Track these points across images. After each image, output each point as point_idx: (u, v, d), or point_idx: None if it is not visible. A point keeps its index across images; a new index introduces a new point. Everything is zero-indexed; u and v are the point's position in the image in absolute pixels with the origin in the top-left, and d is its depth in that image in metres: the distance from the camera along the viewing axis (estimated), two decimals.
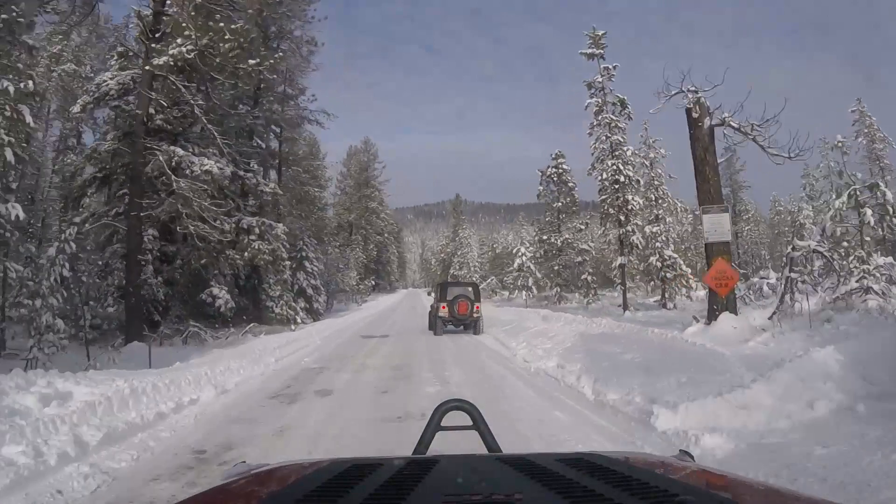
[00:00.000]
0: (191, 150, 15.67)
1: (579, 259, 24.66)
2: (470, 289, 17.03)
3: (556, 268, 25.31)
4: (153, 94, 14.40)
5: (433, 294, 19.16)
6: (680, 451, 1.19)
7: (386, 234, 61.63)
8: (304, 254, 23.02)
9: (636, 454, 1.21)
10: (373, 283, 47.90)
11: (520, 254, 27.64)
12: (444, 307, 16.11)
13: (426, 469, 0.87)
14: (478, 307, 16.39)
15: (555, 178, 26.21)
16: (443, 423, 1.31)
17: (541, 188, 26.54)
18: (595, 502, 0.69)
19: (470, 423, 1.30)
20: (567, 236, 25.27)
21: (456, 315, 15.94)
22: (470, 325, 16.25)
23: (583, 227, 26.20)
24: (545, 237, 26.43)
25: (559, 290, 25.38)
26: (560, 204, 26.22)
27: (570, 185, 26.12)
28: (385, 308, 34.74)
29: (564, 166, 25.85)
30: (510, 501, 0.72)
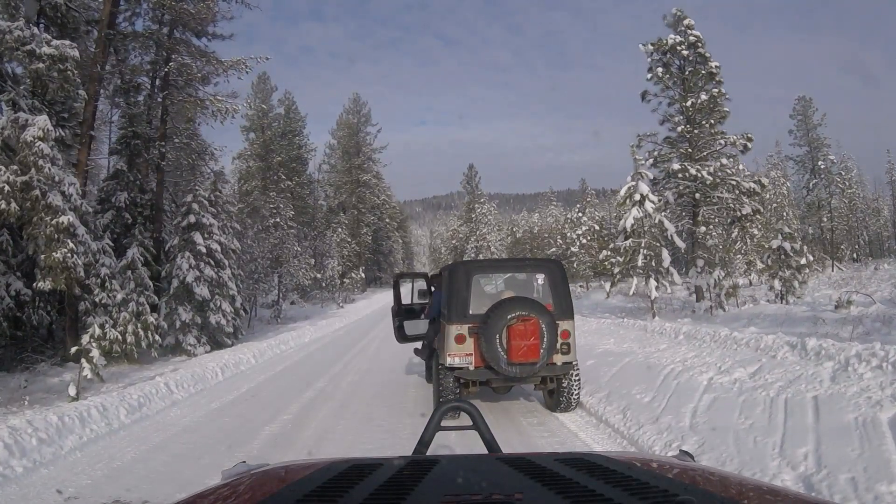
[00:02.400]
0: None
1: (747, 209, 13.31)
2: (539, 278, 6.03)
3: (702, 229, 13.65)
4: None
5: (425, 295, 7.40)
6: (680, 451, 1.17)
7: (387, 220, 50.87)
8: (192, 220, 12.22)
9: (636, 454, 1.24)
10: (363, 275, 37.05)
11: (637, 199, 13.66)
12: (459, 339, 5.36)
13: (426, 469, 0.87)
14: (567, 334, 5.53)
15: (682, 54, 14.21)
16: (443, 424, 1.30)
17: (651, 76, 14.51)
18: (595, 502, 0.68)
19: (470, 423, 1.28)
20: (723, 162, 13.73)
21: (506, 364, 5.18)
22: (544, 383, 5.58)
23: (746, 141, 14.10)
24: (676, 166, 13.93)
25: (718, 273, 12.83)
26: (697, 100, 14.06)
27: (711, 64, 14.18)
28: (373, 313, 23.99)
29: (696, 33, 14.34)
30: (510, 501, 0.71)
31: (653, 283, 13.10)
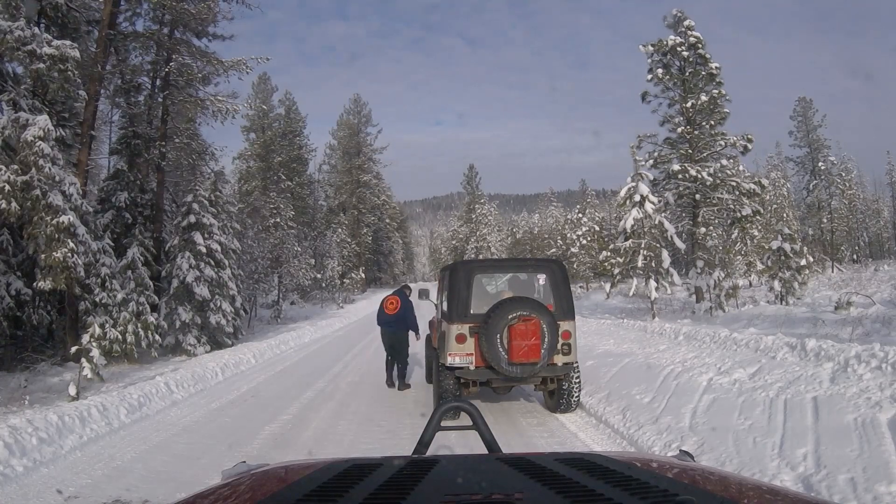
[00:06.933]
0: None
1: (747, 210, 13.37)
2: (541, 279, 5.98)
3: (702, 230, 13.68)
4: None
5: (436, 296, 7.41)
6: (680, 451, 1.16)
7: (387, 220, 50.89)
8: (192, 220, 12.24)
9: (636, 454, 1.21)
10: (363, 275, 37.06)
11: (637, 199, 13.72)
12: (460, 338, 5.34)
13: (426, 469, 0.86)
14: (567, 335, 5.52)
15: (682, 55, 14.19)
16: (443, 424, 1.29)
17: (651, 77, 14.54)
18: (595, 502, 0.68)
19: (470, 423, 1.28)
20: (723, 163, 13.79)
21: (507, 364, 5.16)
22: (544, 384, 5.57)
23: (746, 142, 14.21)
24: (676, 167, 13.93)
25: (717, 272, 12.84)
26: (697, 101, 14.08)
27: (711, 66, 14.20)
28: (373, 314, 23.89)
29: (696, 34, 14.31)
30: (510, 501, 0.70)
31: (653, 283, 13.12)
